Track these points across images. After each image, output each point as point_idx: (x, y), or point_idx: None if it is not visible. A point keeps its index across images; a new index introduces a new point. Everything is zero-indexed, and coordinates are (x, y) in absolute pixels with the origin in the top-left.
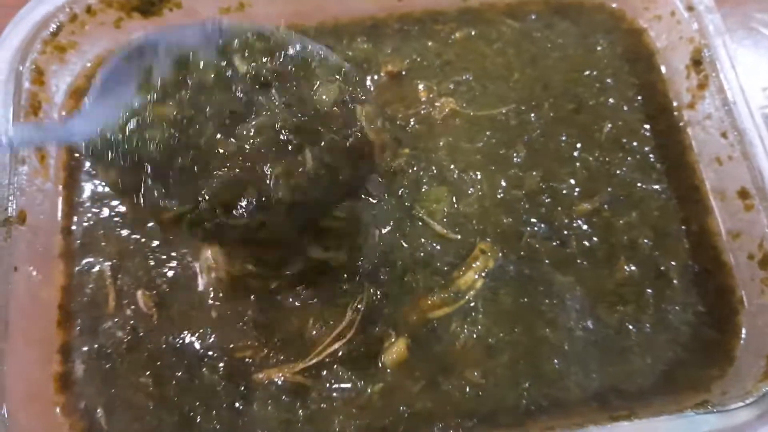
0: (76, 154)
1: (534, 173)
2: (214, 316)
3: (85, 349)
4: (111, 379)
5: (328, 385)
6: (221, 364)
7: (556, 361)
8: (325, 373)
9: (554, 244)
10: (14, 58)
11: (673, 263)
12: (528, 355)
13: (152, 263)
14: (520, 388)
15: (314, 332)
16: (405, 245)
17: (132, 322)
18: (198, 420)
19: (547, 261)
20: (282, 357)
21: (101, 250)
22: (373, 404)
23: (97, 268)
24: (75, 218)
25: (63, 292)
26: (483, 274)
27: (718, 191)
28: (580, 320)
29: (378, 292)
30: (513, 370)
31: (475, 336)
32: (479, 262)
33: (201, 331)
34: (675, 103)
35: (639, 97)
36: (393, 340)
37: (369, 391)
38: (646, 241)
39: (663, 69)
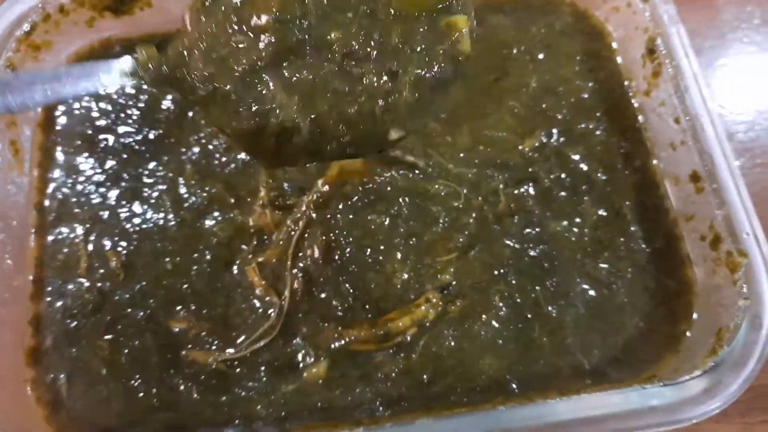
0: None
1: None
2: (169, 267)
3: (55, 314)
4: (75, 341)
5: (247, 382)
6: (160, 333)
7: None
8: (245, 370)
9: (527, 187)
10: None
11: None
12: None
13: (125, 225)
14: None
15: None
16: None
17: (99, 284)
18: (140, 395)
19: (537, 211)
20: (210, 339)
21: (75, 217)
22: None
23: (70, 234)
24: (49, 192)
25: (37, 264)
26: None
27: (672, 176)
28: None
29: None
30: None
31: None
32: (420, 311)
33: (153, 292)
34: (631, 92)
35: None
36: (312, 360)
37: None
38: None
39: (620, 59)
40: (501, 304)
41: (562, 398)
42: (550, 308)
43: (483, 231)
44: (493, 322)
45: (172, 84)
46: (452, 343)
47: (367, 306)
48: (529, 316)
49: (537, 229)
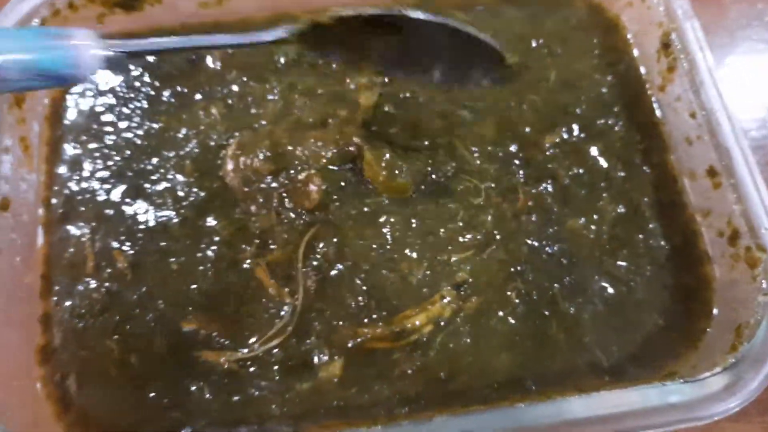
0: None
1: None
2: (174, 267)
3: (64, 313)
4: (84, 342)
5: (261, 381)
6: (171, 333)
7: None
8: (259, 370)
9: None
10: None
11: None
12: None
13: (130, 223)
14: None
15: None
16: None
17: (107, 284)
18: (151, 395)
19: (555, 209)
20: (222, 340)
21: (81, 215)
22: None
23: (77, 233)
24: (56, 188)
25: (45, 262)
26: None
27: (688, 171)
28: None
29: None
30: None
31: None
32: (435, 308)
33: (161, 293)
34: (647, 86)
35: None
36: (326, 359)
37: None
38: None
39: (636, 54)
40: (518, 301)
41: (580, 396)
42: (567, 305)
43: (501, 228)
44: (510, 319)
45: None
46: (468, 341)
47: (381, 304)
48: (546, 313)
49: (555, 227)
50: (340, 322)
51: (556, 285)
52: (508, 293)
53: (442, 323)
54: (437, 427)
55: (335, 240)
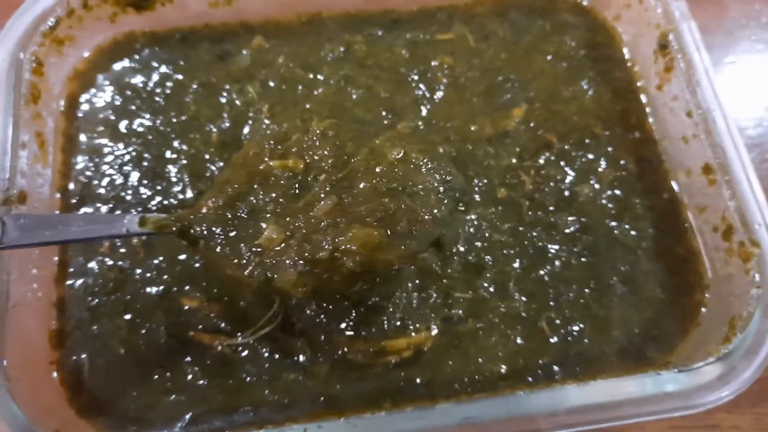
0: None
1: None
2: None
3: (77, 292)
4: (96, 320)
5: (252, 367)
6: (172, 312)
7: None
8: (249, 356)
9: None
10: (15, 49)
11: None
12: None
13: (146, 203)
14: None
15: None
16: None
17: (120, 262)
18: (155, 377)
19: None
20: (219, 322)
21: (98, 198)
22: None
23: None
24: (72, 175)
25: (61, 246)
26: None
27: (684, 169)
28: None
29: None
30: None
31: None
32: (418, 337)
33: (169, 268)
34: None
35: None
36: (310, 356)
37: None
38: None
39: (630, 55)
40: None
41: (578, 384)
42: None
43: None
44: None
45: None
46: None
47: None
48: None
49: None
50: (325, 329)
51: (587, 291)
52: (538, 324)
53: (425, 350)
54: (441, 414)
55: None
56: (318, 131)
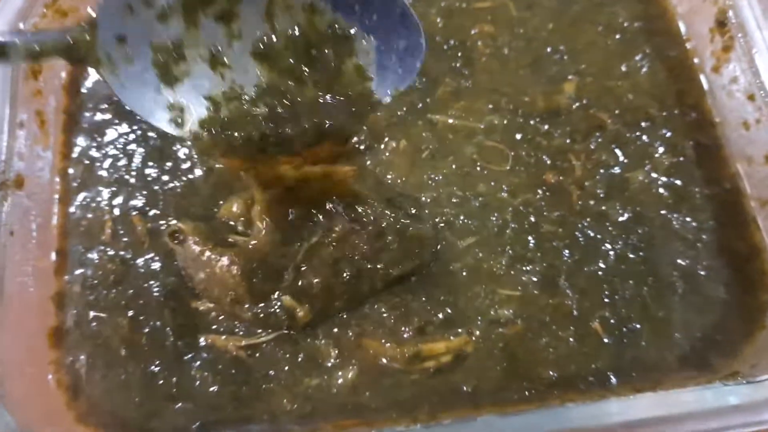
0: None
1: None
2: None
3: (77, 286)
4: (95, 316)
5: (269, 372)
6: (180, 312)
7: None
8: (267, 360)
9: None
10: (15, 21)
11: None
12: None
13: (153, 187)
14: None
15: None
16: None
17: (122, 252)
18: (159, 381)
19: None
20: (232, 322)
21: (100, 180)
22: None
23: (96, 198)
24: (74, 157)
25: (61, 235)
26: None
27: (744, 157)
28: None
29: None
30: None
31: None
32: (458, 341)
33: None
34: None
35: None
36: (337, 361)
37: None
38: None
39: (685, 30)
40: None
41: (637, 395)
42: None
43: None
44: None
45: None
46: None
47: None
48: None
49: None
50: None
51: (645, 288)
52: (592, 324)
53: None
54: (484, 427)
55: None
56: None
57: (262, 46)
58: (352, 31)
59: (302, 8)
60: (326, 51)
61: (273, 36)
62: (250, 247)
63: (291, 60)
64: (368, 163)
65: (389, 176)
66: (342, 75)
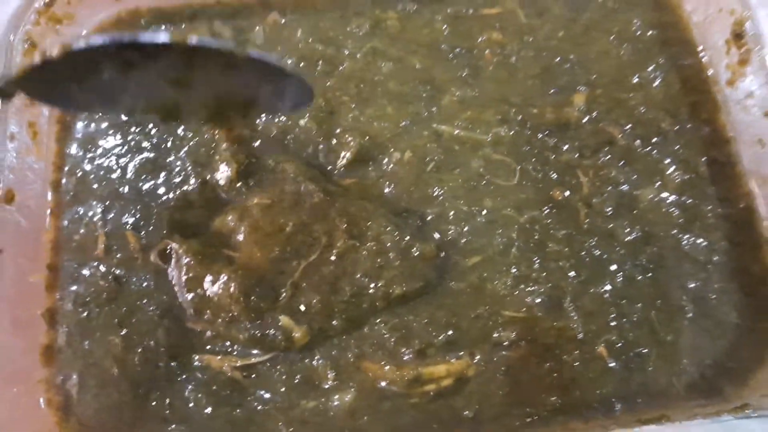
0: None
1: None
2: None
3: (67, 301)
4: (87, 334)
5: (264, 394)
6: (174, 331)
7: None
8: (262, 381)
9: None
10: (6, 30)
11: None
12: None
13: (146, 200)
14: None
15: None
16: None
17: (116, 270)
18: (152, 403)
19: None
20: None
21: (93, 193)
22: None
23: (88, 213)
24: (67, 169)
25: (53, 249)
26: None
27: (759, 176)
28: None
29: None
30: None
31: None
32: (459, 364)
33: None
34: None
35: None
36: (335, 383)
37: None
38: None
39: (700, 40)
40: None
41: (642, 428)
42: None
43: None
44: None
45: None
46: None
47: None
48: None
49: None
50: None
51: (653, 311)
52: (597, 348)
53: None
54: None
55: None
56: None
57: None
58: None
59: None
60: None
61: None
62: (245, 257)
63: None
64: (372, 174)
65: (393, 189)
66: None
